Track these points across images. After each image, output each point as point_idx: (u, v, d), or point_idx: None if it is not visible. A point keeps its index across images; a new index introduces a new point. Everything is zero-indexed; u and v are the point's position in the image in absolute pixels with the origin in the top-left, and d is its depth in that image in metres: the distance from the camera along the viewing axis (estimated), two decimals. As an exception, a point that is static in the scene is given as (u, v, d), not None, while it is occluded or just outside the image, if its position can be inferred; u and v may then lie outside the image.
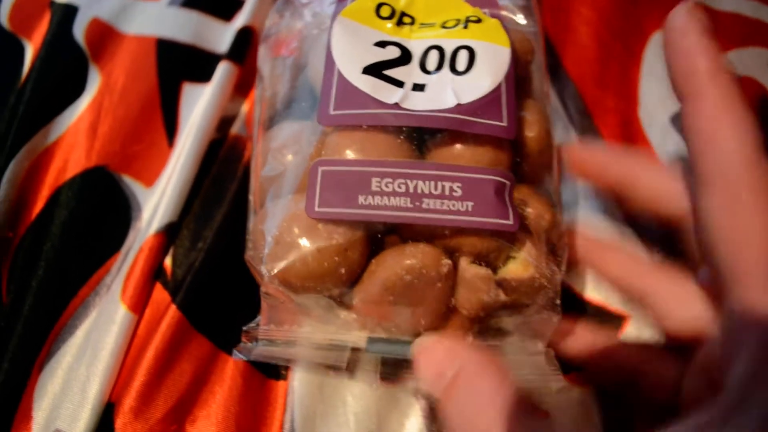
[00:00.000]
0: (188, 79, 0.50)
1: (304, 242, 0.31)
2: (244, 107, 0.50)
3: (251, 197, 0.38)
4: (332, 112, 0.33)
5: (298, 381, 0.40)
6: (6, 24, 0.52)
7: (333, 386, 0.41)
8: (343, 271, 0.32)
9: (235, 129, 0.49)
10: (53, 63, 0.49)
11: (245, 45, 0.51)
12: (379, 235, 0.33)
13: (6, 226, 0.44)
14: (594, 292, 0.44)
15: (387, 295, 0.32)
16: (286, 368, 0.41)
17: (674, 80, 0.29)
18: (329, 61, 0.35)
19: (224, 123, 0.49)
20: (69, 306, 0.42)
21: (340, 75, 0.34)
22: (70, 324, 0.42)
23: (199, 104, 0.49)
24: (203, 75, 0.50)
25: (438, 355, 0.30)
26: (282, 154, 0.36)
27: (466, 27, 0.36)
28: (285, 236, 0.32)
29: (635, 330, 0.43)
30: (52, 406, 0.39)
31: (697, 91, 0.28)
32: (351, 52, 0.35)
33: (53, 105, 0.48)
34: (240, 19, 0.52)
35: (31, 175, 0.45)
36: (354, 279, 0.33)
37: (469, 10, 0.38)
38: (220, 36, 0.53)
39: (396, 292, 0.32)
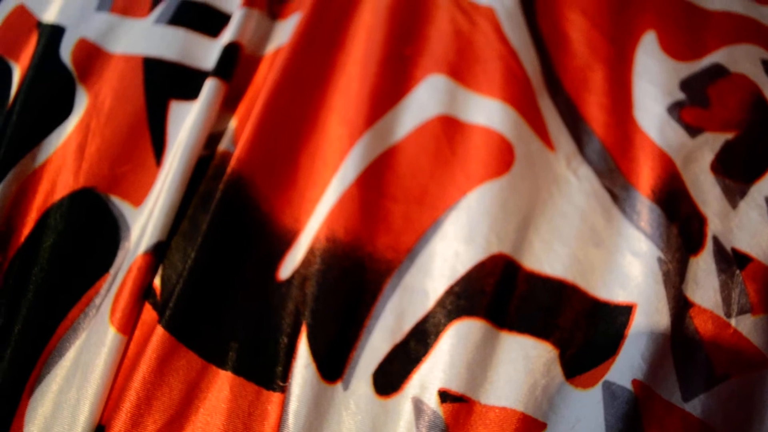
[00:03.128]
0: (175, 97, 0.50)
1: None
2: (232, 123, 0.50)
3: None
4: None
5: (294, 394, 0.40)
6: (-7, 47, 0.52)
7: (329, 400, 0.40)
8: None
9: (223, 145, 0.49)
10: (40, 85, 0.49)
11: (232, 61, 0.51)
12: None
13: (-5, 250, 0.44)
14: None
15: None
16: (284, 378, 0.41)
17: None
18: None
19: (212, 140, 0.49)
20: (59, 329, 0.42)
21: None
22: (60, 347, 0.42)
23: (186, 122, 0.49)
24: (190, 92, 0.50)
25: None
26: None
27: None
28: None
29: (645, 318, 0.42)
30: (42, 431, 0.39)
31: None
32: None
33: (41, 127, 0.48)
34: (226, 35, 0.52)
35: (19, 199, 0.45)
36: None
37: None
38: (207, 52, 0.52)
39: None
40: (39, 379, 0.41)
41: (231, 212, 0.44)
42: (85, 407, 0.39)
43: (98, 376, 0.40)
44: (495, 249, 0.44)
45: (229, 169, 0.45)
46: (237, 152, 0.46)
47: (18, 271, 0.43)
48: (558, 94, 0.51)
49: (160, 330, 0.40)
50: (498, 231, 0.44)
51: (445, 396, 0.40)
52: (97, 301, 0.43)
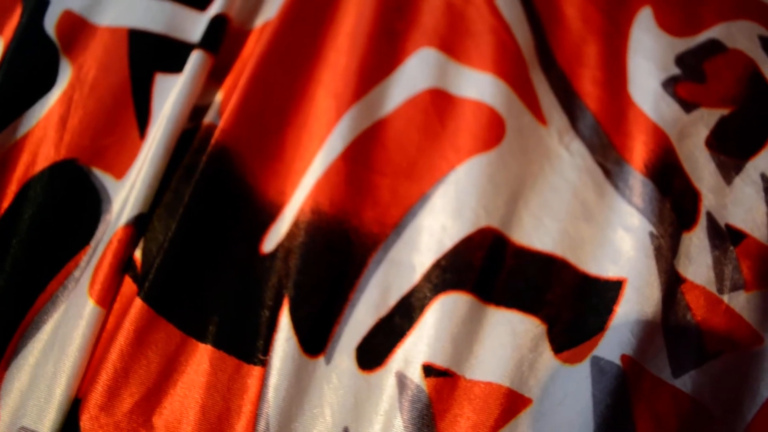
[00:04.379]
0: (161, 70, 0.49)
1: None
2: (218, 96, 0.49)
3: None
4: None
5: (275, 368, 0.39)
6: (-23, 20, 0.51)
7: (310, 374, 0.40)
8: None
9: (209, 118, 0.48)
10: (23, 57, 0.48)
11: (219, 33, 0.50)
12: None
13: (-26, 223, 0.43)
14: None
15: None
16: (265, 351, 0.40)
17: None
18: None
19: (198, 113, 0.48)
20: (37, 301, 0.41)
21: None
22: (38, 319, 0.41)
23: (170, 95, 0.48)
24: (176, 65, 0.49)
25: None
26: None
27: None
28: None
29: (635, 292, 0.41)
30: (18, 404, 0.38)
31: None
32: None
33: (23, 99, 0.47)
34: (214, 8, 0.51)
35: (-1, 171, 0.45)
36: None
37: None
38: (194, 25, 0.51)
39: None
40: (16, 352, 0.40)
41: (214, 184, 0.43)
42: (61, 380, 0.38)
43: (76, 349, 0.39)
44: (483, 223, 0.43)
45: (213, 141, 0.45)
46: (222, 124, 0.45)
47: (-4, 243, 0.42)
48: (551, 68, 0.50)
49: (138, 302, 0.40)
50: (486, 205, 0.44)
51: (429, 370, 0.39)
52: (77, 273, 0.42)
